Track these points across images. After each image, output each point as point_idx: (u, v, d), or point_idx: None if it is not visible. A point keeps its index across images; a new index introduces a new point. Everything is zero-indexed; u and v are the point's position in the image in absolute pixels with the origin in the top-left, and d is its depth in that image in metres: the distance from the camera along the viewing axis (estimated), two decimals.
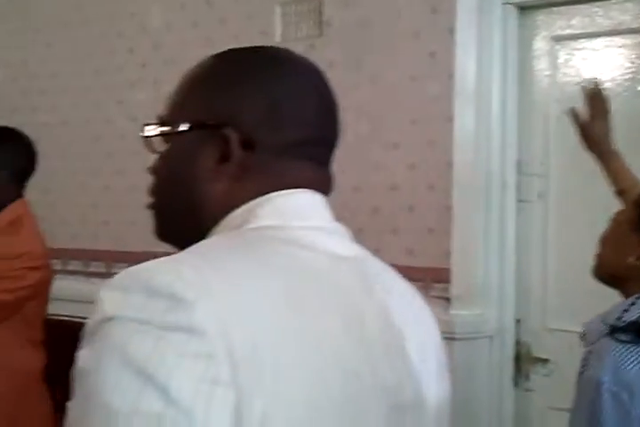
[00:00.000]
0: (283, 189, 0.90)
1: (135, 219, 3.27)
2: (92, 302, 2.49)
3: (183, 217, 0.94)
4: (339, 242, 0.90)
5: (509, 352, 2.61)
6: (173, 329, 0.71)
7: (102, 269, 3.40)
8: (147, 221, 3.05)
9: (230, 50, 0.97)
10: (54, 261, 2.61)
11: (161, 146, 0.96)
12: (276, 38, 2.89)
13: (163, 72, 3.15)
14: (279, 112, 0.90)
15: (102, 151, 3.39)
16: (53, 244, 2.50)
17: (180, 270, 0.76)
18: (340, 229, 0.92)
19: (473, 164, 2.53)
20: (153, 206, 0.98)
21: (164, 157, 0.96)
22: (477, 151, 2.53)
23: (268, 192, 0.89)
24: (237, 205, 0.90)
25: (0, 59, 3.74)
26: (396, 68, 2.63)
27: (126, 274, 0.77)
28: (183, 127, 0.92)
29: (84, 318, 2.49)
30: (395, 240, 2.60)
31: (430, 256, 2.55)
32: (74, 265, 3.46)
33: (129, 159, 3.28)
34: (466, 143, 2.53)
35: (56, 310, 2.82)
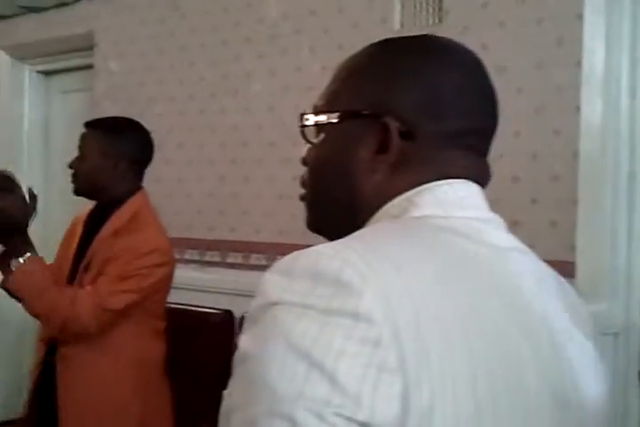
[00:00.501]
0: (441, 179, 0.89)
1: (247, 209, 3.29)
2: (206, 292, 2.53)
3: (338, 209, 0.93)
4: (497, 233, 0.89)
5: (635, 350, 2.51)
6: (339, 315, 0.71)
7: (217, 259, 3.43)
8: (258, 210, 3.08)
9: (389, 39, 0.97)
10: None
11: (314, 136, 0.95)
12: (395, 26, 2.85)
13: (278, 62, 3.14)
14: (440, 101, 0.89)
15: (217, 142, 3.41)
16: (170, 233, 2.52)
17: (346, 255, 0.75)
18: (496, 220, 0.91)
19: (600, 154, 2.44)
20: (306, 198, 0.97)
21: (318, 148, 0.95)
22: (605, 141, 2.44)
23: (426, 182, 0.88)
24: (394, 196, 0.89)
25: (117, 51, 3.81)
26: (521, 56, 2.55)
27: (291, 258, 0.77)
28: (340, 117, 0.91)
29: (200, 307, 2.51)
30: (516, 233, 2.52)
31: (553, 250, 2.46)
32: (190, 254, 3.49)
33: (242, 150, 3.29)
34: (593, 133, 2.43)
35: (172, 298, 2.87)
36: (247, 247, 3.31)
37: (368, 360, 0.70)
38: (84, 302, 2.32)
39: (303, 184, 0.98)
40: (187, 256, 3.49)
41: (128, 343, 2.44)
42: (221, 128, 3.39)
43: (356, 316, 0.71)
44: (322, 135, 0.94)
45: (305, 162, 0.97)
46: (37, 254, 2.37)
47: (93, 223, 2.50)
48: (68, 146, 2.92)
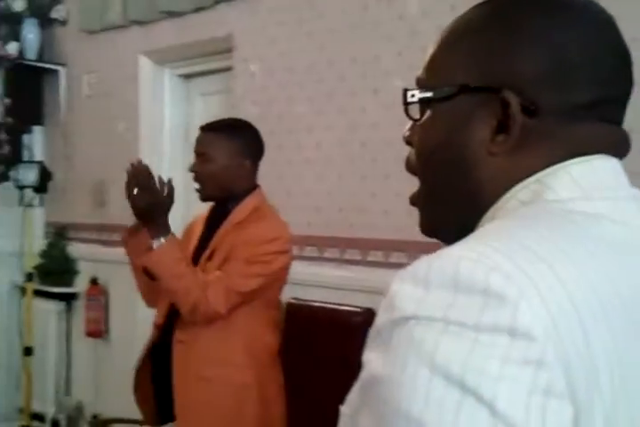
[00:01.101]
0: (575, 156, 0.77)
1: (388, 207, 3.27)
2: (346, 290, 2.54)
3: (456, 201, 0.82)
4: None
5: None
6: (492, 331, 0.61)
7: (357, 257, 3.43)
8: (398, 208, 3.04)
9: None
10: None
11: (420, 114, 0.83)
12: None
13: (419, 60, 3.11)
14: (567, 69, 0.76)
15: (357, 140, 3.41)
16: (310, 230, 2.56)
17: (491, 258, 0.64)
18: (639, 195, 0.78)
19: None
20: (418, 196, 0.86)
21: (424, 129, 0.83)
22: None
23: (557, 161, 0.76)
24: (520, 179, 0.77)
25: (256, 52, 3.86)
26: None
27: (425, 264, 0.66)
28: (450, 92, 0.79)
29: (341, 305, 2.50)
30: None
31: None
32: (330, 252, 3.51)
33: (383, 148, 3.28)
34: None
35: (313, 296, 2.92)
36: (365, 244, 3.33)
37: (532, 385, 0.60)
38: (216, 284, 2.42)
39: (408, 166, 0.87)
40: (327, 255, 3.51)
41: (245, 330, 2.53)
42: (362, 127, 3.39)
43: (512, 332, 0.61)
44: (428, 113, 0.82)
45: (409, 142, 0.86)
46: (176, 237, 2.50)
47: (213, 221, 2.62)
48: None
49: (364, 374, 0.66)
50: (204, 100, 4.43)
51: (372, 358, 0.65)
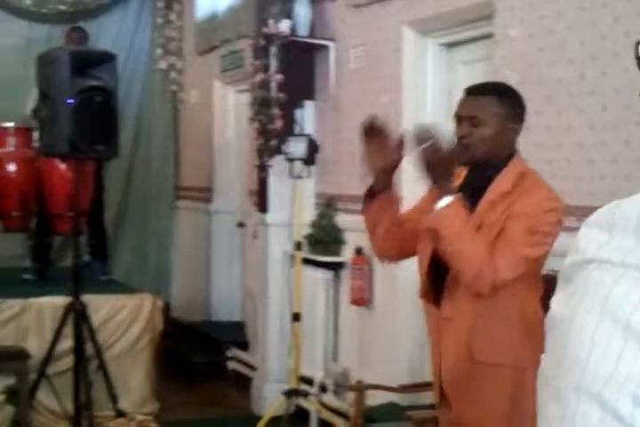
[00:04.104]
0: None
1: (630, 174, 3.07)
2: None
3: None
4: None
5: None
6: None
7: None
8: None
9: None
10: None
11: None
12: None
13: None
14: None
15: (621, 104, 3.21)
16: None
17: None
18: None
19: None
20: None
21: None
22: None
23: None
24: None
25: (516, 17, 3.73)
26: None
27: (612, 208, 0.65)
28: None
29: None
30: None
31: None
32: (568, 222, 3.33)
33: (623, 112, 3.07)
34: None
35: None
36: None
37: None
38: (503, 249, 2.31)
39: None
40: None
41: (517, 305, 2.41)
42: (626, 89, 3.18)
43: None
44: None
45: None
46: (461, 198, 2.38)
47: (470, 188, 2.48)
48: None
49: (548, 315, 0.67)
50: (464, 68, 4.37)
51: (554, 300, 0.66)
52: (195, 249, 7.48)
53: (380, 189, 2.54)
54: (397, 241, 2.60)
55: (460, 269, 2.34)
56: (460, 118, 2.48)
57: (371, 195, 2.58)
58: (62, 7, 7.39)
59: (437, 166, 2.34)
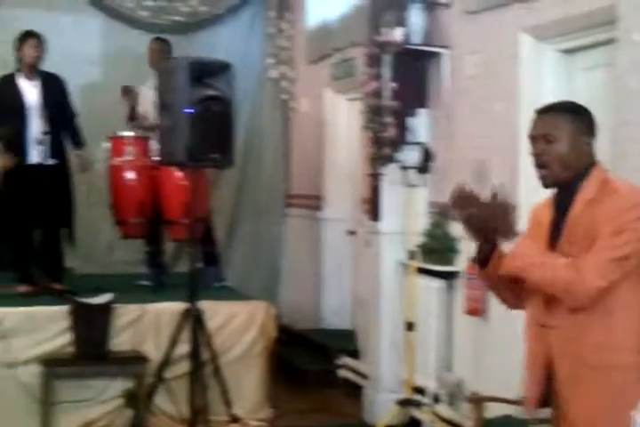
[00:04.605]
0: None
1: None
2: None
3: None
4: None
5: None
6: None
7: None
8: None
9: None
10: None
11: None
12: None
13: None
14: None
15: None
16: None
17: None
18: None
19: None
20: None
21: None
22: None
23: None
24: None
25: None
26: None
27: None
28: None
29: None
30: None
31: None
32: None
33: None
34: None
35: None
36: None
37: None
38: (585, 260, 2.38)
39: None
40: None
41: (624, 309, 2.44)
42: None
43: None
44: None
45: None
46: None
47: (560, 204, 2.57)
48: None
49: None
50: (584, 75, 4.27)
51: None
52: (304, 257, 7.53)
53: (488, 255, 2.58)
54: (518, 289, 2.65)
55: (550, 289, 2.46)
56: (534, 138, 2.58)
57: (481, 262, 2.61)
58: (177, 18, 7.56)
59: (481, 227, 2.49)
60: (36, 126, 5.55)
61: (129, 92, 6.24)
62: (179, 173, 5.55)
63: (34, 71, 5.66)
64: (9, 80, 5.64)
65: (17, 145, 5.49)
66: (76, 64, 6.85)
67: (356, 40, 6.01)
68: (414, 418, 5.08)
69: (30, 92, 5.61)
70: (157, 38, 6.59)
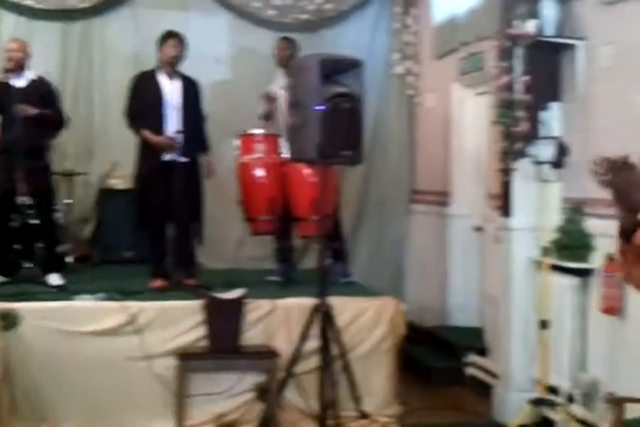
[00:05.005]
0: None
1: None
2: None
3: None
4: None
5: None
6: None
7: None
8: None
9: None
10: None
11: None
12: None
13: None
14: None
15: None
16: None
17: None
18: None
19: None
20: None
21: None
22: None
23: None
24: None
25: None
26: None
27: None
28: None
29: None
30: None
31: None
32: None
33: None
34: None
35: None
36: None
37: None
38: None
39: None
40: None
41: None
42: None
43: None
44: None
45: None
46: None
47: None
48: None
49: None
50: None
51: None
52: (430, 253, 7.47)
53: (632, 227, 2.49)
54: None
55: None
56: None
57: (625, 235, 2.52)
58: (304, 16, 7.62)
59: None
60: (172, 124, 5.68)
61: (270, 100, 6.34)
62: (308, 170, 5.59)
63: (173, 71, 5.79)
64: (150, 76, 5.80)
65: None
66: (205, 63, 6.98)
67: (485, 33, 5.93)
68: (547, 418, 4.98)
69: (170, 90, 5.74)
70: (285, 38, 6.64)
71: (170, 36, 5.78)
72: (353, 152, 4.74)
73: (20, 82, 5.67)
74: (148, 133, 5.65)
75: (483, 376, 5.97)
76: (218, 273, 6.43)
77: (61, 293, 5.41)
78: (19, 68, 5.67)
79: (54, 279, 5.72)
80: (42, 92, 5.75)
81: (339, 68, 4.72)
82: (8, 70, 5.62)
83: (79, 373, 4.94)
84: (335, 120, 4.59)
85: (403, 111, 7.87)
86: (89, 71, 7.50)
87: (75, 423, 4.94)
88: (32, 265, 5.93)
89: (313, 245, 7.15)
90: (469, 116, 6.96)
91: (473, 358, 6.19)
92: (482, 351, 6.12)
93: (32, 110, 5.54)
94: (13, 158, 5.42)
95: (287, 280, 5.94)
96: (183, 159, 5.65)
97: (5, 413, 4.85)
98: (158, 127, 5.66)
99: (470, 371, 6.18)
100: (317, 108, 4.54)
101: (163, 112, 5.68)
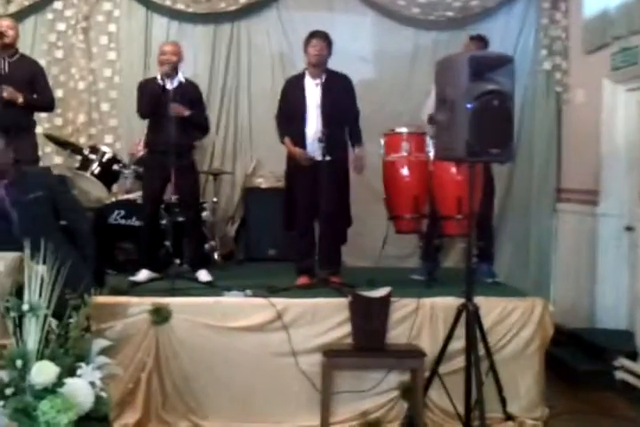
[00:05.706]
0: None
1: None
2: None
3: None
4: None
5: None
6: None
7: None
8: None
9: None
10: None
11: None
12: None
13: None
14: None
15: None
16: None
17: None
18: None
19: None
20: None
21: None
22: None
23: None
24: None
25: None
26: None
27: None
28: None
29: None
30: None
31: None
32: None
33: None
34: None
35: None
36: None
37: None
38: None
39: None
40: None
41: None
42: None
43: None
44: None
45: None
46: None
47: None
48: None
49: None
50: None
51: None
52: (577, 253, 7.28)
53: None
54: None
55: None
56: None
57: None
58: (449, 13, 7.54)
59: None
60: (315, 124, 5.74)
61: None
62: (453, 169, 5.54)
63: (318, 70, 5.85)
64: (298, 79, 5.90)
65: (298, 142, 5.73)
66: (351, 62, 7.01)
67: (639, 27, 5.72)
68: None
69: (312, 91, 5.81)
70: (477, 36, 6.41)
71: (312, 35, 5.85)
72: (502, 150, 4.65)
73: (171, 84, 5.84)
74: (288, 142, 5.77)
75: (633, 381, 5.78)
76: (361, 271, 6.44)
77: (210, 288, 5.55)
78: (173, 71, 5.83)
79: (203, 276, 5.86)
80: (190, 95, 5.90)
81: (489, 65, 4.64)
82: (165, 74, 5.77)
83: (227, 367, 5.05)
84: (484, 118, 4.51)
85: (550, 108, 7.70)
86: (236, 73, 7.66)
87: (221, 416, 5.05)
88: (181, 262, 6.11)
89: (456, 244, 7.11)
90: (620, 113, 6.75)
91: (622, 361, 6.00)
92: (631, 355, 5.93)
93: (186, 111, 5.69)
94: (165, 158, 5.57)
95: (431, 279, 5.90)
96: (328, 158, 5.68)
97: (156, 403, 5.01)
98: (300, 132, 5.76)
99: (619, 375, 5.99)
100: (467, 105, 4.48)
101: (305, 114, 5.76)
